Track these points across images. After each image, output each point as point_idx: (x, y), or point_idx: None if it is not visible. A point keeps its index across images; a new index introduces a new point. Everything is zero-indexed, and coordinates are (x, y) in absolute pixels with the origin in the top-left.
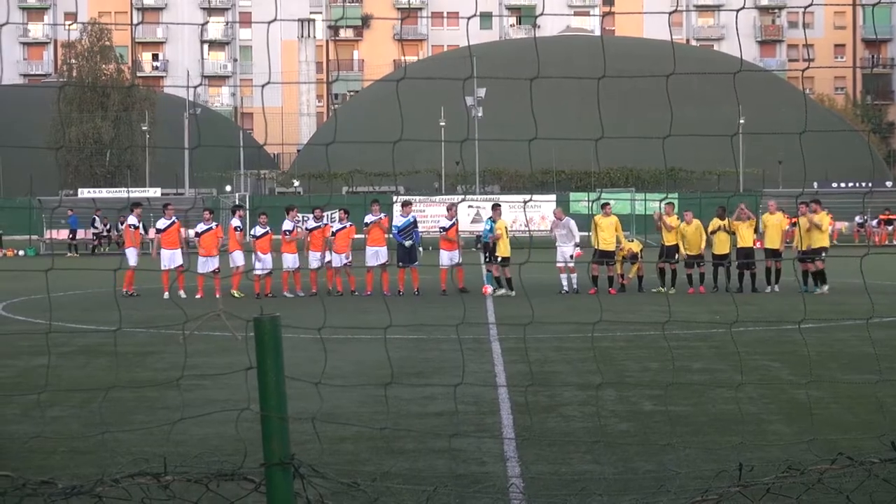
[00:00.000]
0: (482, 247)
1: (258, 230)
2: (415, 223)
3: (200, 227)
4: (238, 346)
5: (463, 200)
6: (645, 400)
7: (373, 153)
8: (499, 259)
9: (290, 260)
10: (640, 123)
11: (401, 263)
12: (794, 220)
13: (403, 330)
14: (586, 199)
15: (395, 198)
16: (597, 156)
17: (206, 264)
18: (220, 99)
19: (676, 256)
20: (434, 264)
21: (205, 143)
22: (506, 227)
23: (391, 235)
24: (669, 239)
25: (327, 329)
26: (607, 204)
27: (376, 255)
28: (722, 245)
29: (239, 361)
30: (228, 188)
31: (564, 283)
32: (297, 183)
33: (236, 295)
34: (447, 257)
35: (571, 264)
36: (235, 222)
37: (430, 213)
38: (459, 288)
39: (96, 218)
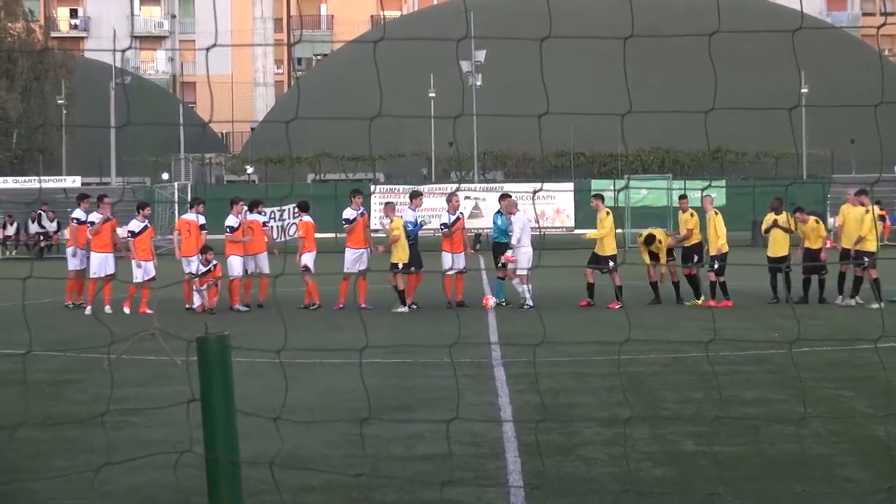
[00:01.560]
0: (492, 248)
1: (135, 225)
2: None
3: (135, 225)
4: (178, 372)
5: (458, 191)
6: (686, 438)
7: (345, 132)
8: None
9: (237, 264)
10: (677, 94)
11: (413, 269)
12: (883, 211)
13: (384, 352)
14: (612, 187)
15: (373, 187)
16: (623, 134)
17: (141, 271)
18: (155, 65)
19: (695, 258)
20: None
21: (135, 121)
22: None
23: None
24: (692, 238)
25: (289, 351)
26: (598, 196)
27: (359, 259)
28: (778, 245)
29: (179, 392)
30: (165, 176)
31: (528, 295)
32: (250, 169)
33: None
34: (450, 261)
35: (523, 272)
36: (201, 219)
37: (426, 205)
38: (457, 301)
39: (42, 214)
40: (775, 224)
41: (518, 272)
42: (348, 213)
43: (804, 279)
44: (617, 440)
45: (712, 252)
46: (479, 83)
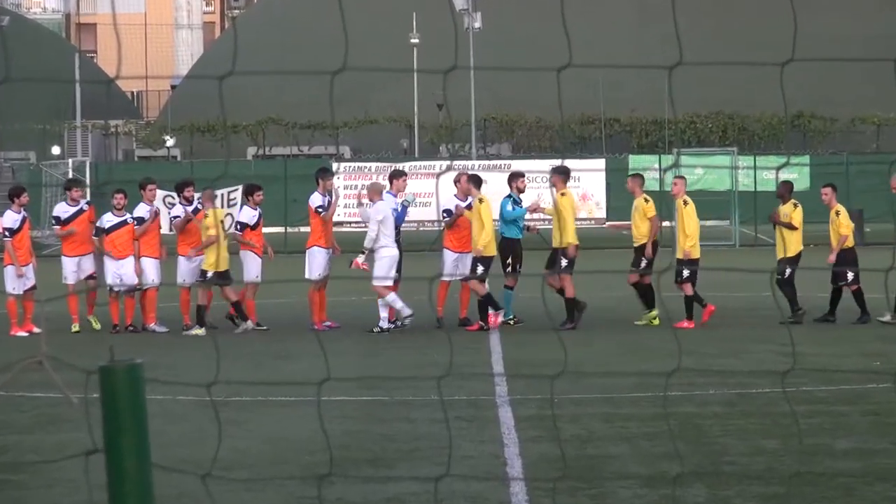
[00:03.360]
0: (498, 247)
1: (10, 219)
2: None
3: (10, 219)
4: (74, 414)
5: (449, 170)
6: (756, 501)
7: (298, 92)
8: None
9: (151, 270)
10: (743, 41)
11: (397, 275)
12: None
13: (351, 386)
14: (656, 165)
15: (335, 165)
16: (671, 96)
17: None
18: (43, 2)
19: (643, 261)
20: (411, 276)
21: (16, 76)
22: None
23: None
24: (640, 234)
25: (223, 386)
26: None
27: (327, 261)
28: (785, 244)
29: (75, 441)
30: (56, 150)
31: (383, 312)
32: (170, 142)
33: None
34: (452, 263)
35: (382, 283)
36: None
37: (408, 190)
38: (460, 318)
39: None
40: (777, 217)
41: (374, 283)
42: (317, 199)
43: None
44: None
45: (678, 254)
46: (477, 25)
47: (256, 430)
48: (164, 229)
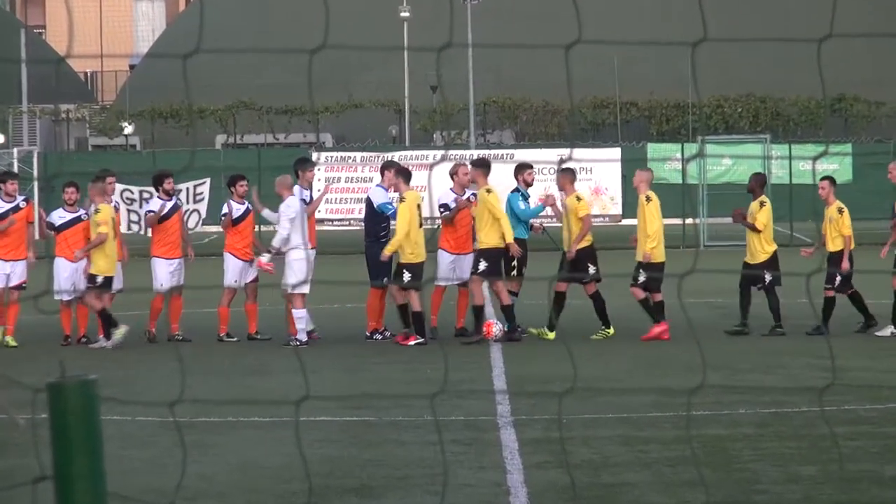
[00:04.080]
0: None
1: None
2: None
3: None
4: (19, 437)
5: (444, 160)
6: None
7: (273, 73)
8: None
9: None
10: (775, 14)
11: (386, 280)
12: None
13: (334, 406)
14: (678, 154)
15: (315, 155)
16: (694, 76)
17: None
18: None
19: (590, 268)
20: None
21: None
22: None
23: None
24: (572, 237)
25: (189, 404)
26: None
27: (309, 263)
28: (750, 248)
29: (20, 467)
30: (0, 139)
31: (305, 324)
32: (129, 128)
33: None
34: (448, 266)
35: (295, 290)
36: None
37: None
38: (456, 329)
39: None
40: (742, 216)
41: (283, 288)
42: (300, 193)
43: None
44: None
45: (638, 257)
46: None
47: (226, 455)
48: (123, 228)
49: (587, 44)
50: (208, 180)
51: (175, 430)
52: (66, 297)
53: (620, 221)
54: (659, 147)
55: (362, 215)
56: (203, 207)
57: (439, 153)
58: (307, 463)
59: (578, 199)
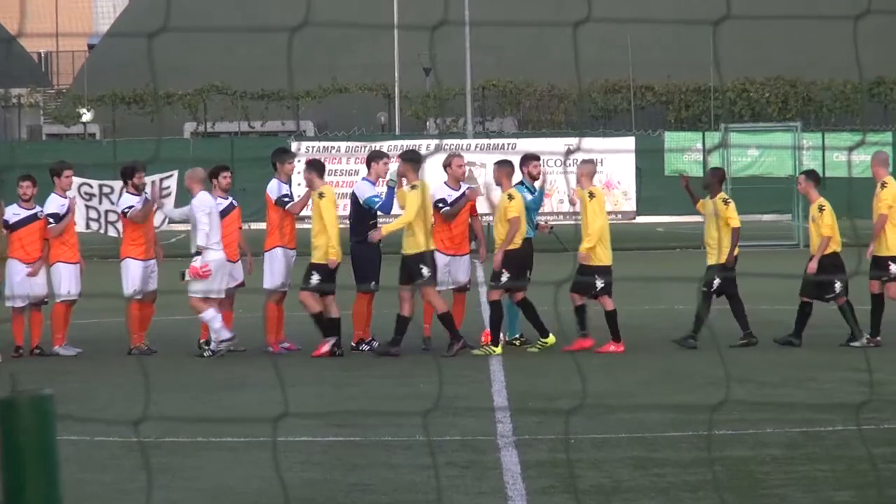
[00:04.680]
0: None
1: None
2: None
3: None
4: None
5: (439, 150)
6: None
7: (248, 55)
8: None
9: (68, 278)
10: None
11: (374, 284)
12: None
13: (315, 424)
14: (699, 144)
15: (295, 145)
16: (717, 58)
17: None
18: None
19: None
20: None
21: None
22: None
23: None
24: (500, 237)
25: (155, 423)
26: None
27: (289, 266)
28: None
29: None
30: None
31: (220, 333)
32: (87, 115)
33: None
34: (442, 268)
35: (203, 295)
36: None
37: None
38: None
39: None
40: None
41: (191, 293)
42: (277, 188)
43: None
44: None
45: (581, 259)
46: None
47: (196, 478)
48: (81, 227)
49: (597, 22)
50: (175, 173)
51: (139, 451)
52: (18, 304)
53: (635, 219)
54: (677, 136)
55: (347, 212)
56: (170, 203)
57: (433, 143)
58: (286, 488)
59: (510, 197)
